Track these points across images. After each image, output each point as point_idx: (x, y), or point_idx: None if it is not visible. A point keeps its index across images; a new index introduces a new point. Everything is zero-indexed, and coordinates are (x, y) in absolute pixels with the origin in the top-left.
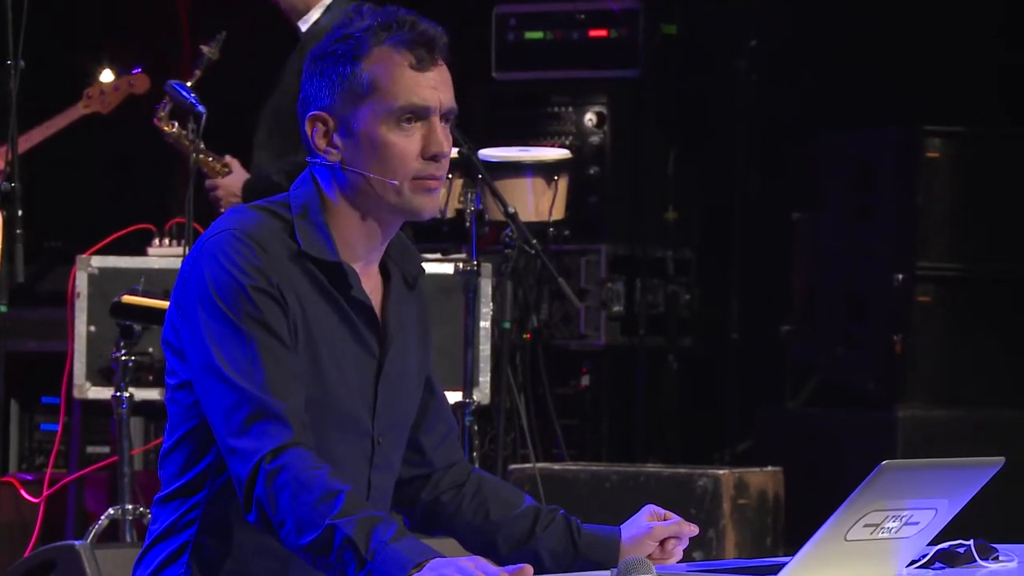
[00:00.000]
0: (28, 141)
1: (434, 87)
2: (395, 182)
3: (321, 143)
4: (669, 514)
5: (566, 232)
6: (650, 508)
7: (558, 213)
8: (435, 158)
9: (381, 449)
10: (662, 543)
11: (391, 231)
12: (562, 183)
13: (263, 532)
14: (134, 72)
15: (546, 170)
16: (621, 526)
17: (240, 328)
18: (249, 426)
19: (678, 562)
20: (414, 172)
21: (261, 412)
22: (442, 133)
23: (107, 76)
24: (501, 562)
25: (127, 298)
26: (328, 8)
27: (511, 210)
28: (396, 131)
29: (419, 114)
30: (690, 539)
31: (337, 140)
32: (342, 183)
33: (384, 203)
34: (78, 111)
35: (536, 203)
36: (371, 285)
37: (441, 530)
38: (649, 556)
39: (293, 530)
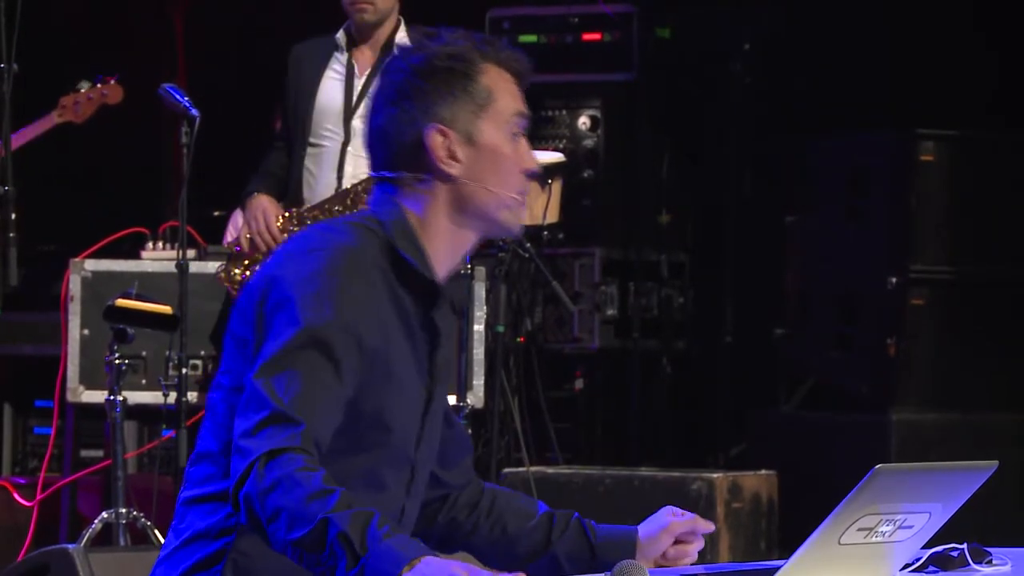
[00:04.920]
0: None
1: (525, 103)
2: (512, 195)
3: (443, 155)
4: (687, 513)
5: (560, 235)
6: (669, 509)
7: (552, 216)
8: (531, 175)
9: (418, 477)
10: (678, 540)
11: (468, 250)
12: (556, 186)
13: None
14: (109, 81)
15: (539, 173)
16: (639, 525)
17: (301, 347)
18: (261, 429)
19: (675, 566)
20: (519, 187)
21: (277, 419)
22: None
23: (83, 85)
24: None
25: (121, 301)
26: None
27: None
28: (511, 144)
29: (524, 127)
30: None
31: (458, 152)
32: (449, 198)
33: (488, 219)
34: (52, 120)
35: (530, 206)
36: (441, 309)
37: (459, 547)
38: (664, 554)
39: (283, 525)
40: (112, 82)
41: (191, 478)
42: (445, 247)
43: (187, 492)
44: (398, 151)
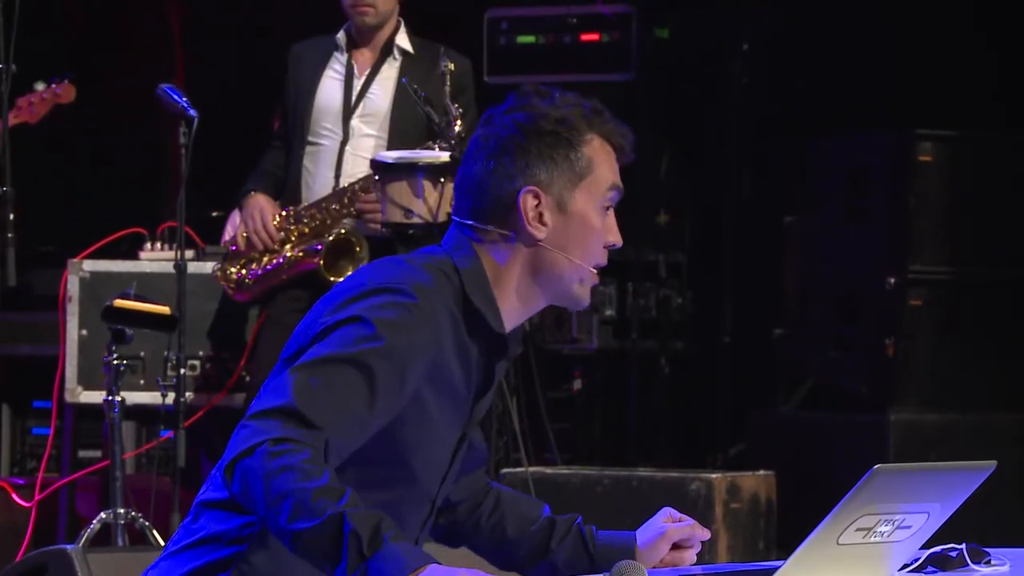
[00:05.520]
0: None
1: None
2: (590, 268)
3: (532, 217)
4: (684, 517)
5: None
6: (666, 511)
7: None
8: (612, 247)
9: (435, 512)
10: (675, 546)
11: (532, 314)
12: None
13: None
14: (62, 81)
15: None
16: (637, 530)
17: (347, 367)
18: (274, 416)
19: (675, 566)
20: (599, 260)
21: (294, 415)
22: None
23: (39, 85)
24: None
25: (119, 302)
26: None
27: None
28: (600, 216)
29: (616, 199)
30: None
31: (548, 217)
32: (527, 260)
33: (562, 287)
34: (8, 121)
35: None
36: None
37: (460, 545)
38: (662, 560)
39: (287, 512)
40: (65, 82)
41: (213, 480)
42: (515, 304)
43: (207, 493)
44: (489, 205)
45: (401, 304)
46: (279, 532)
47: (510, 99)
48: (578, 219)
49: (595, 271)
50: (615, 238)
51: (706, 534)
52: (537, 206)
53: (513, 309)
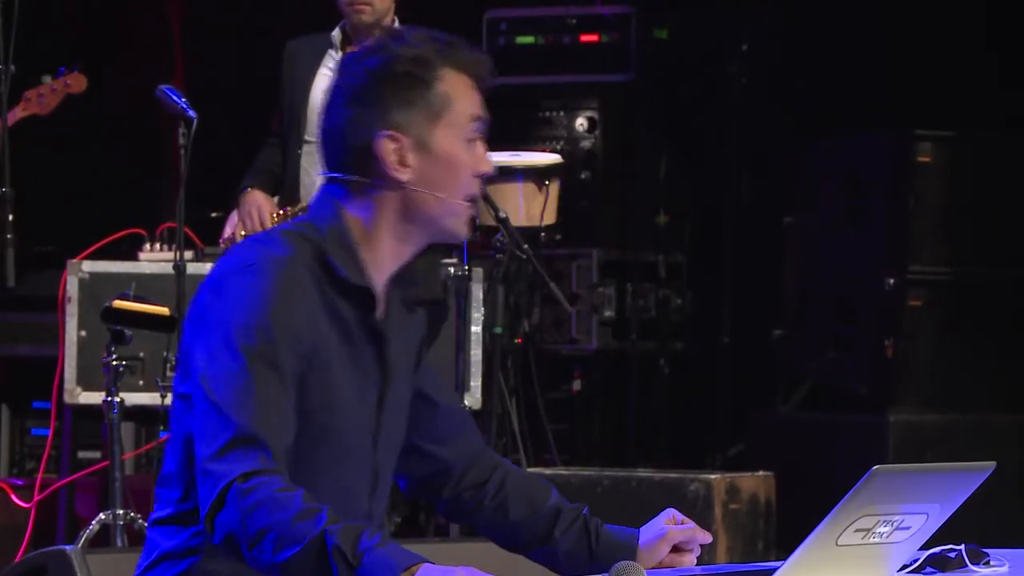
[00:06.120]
0: None
1: (485, 107)
2: (461, 201)
3: (393, 161)
4: (686, 520)
5: (557, 236)
6: (669, 512)
7: (549, 218)
8: (483, 177)
9: (382, 477)
10: (675, 548)
11: (411, 256)
12: (553, 188)
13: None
14: (74, 71)
15: (537, 175)
16: (640, 528)
17: (245, 362)
18: (229, 451)
19: (673, 567)
20: (471, 191)
21: (244, 440)
22: None
23: (46, 79)
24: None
25: (118, 303)
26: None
27: (502, 215)
28: (465, 149)
29: (482, 131)
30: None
31: (410, 159)
32: (396, 205)
33: (435, 225)
34: (16, 115)
35: (527, 208)
36: (379, 311)
37: (465, 523)
38: (661, 562)
39: (269, 547)
40: (76, 72)
41: (158, 498)
42: (389, 252)
43: (155, 513)
44: (349, 154)
45: (263, 282)
46: (269, 569)
47: (364, 45)
48: (442, 156)
49: (469, 203)
50: (485, 167)
51: (708, 537)
52: (397, 149)
53: (386, 258)
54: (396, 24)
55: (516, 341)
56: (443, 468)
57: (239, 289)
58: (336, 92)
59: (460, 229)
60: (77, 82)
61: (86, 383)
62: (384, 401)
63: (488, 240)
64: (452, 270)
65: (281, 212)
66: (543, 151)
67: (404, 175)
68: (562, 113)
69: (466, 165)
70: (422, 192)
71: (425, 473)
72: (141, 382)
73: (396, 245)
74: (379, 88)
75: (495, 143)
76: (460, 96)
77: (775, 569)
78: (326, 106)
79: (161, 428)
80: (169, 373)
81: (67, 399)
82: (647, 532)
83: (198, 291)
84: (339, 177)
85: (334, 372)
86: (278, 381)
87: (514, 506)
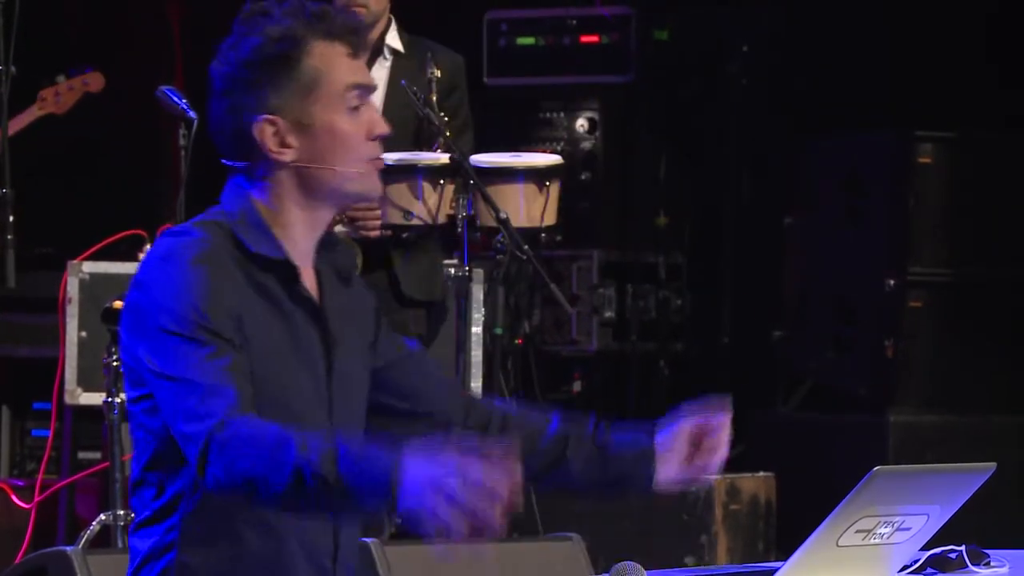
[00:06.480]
0: None
1: (367, 71)
2: (356, 168)
3: (273, 145)
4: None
5: (557, 238)
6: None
7: (550, 219)
8: (379, 138)
9: None
10: (699, 444)
11: (327, 224)
12: (553, 189)
13: (246, 542)
14: (87, 71)
15: (537, 176)
16: (657, 437)
17: (188, 341)
18: (198, 408)
19: (671, 568)
20: (367, 155)
21: (209, 393)
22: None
23: (60, 78)
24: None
25: (118, 304)
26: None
27: (503, 216)
28: (348, 118)
29: (364, 97)
30: (682, 544)
31: (291, 139)
32: (293, 182)
33: (338, 193)
34: (33, 113)
35: (527, 209)
36: (309, 284)
37: None
38: (691, 460)
39: (260, 487)
40: (93, 71)
41: (134, 508)
42: (300, 225)
43: (133, 523)
44: (234, 142)
45: (185, 268)
46: (267, 505)
47: (234, 27)
48: (324, 130)
49: (366, 165)
50: (379, 128)
51: (723, 421)
52: (275, 132)
53: (304, 226)
54: (392, 24)
55: (516, 342)
56: (443, 421)
57: (162, 279)
58: (212, 82)
59: (367, 189)
60: (96, 81)
61: (86, 384)
62: (332, 371)
63: (488, 241)
64: (453, 271)
65: None
66: (543, 152)
67: (287, 156)
68: (562, 114)
69: (351, 133)
70: (313, 167)
71: (429, 433)
72: None
73: (306, 216)
74: (249, 74)
75: (496, 144)
76: (332, 67)
77: (775, 570)
78: (210, 95)
79: None
80: None
81: (67, 400)
82: (663, 437)
83: (126, 298)
84: (233, 166)
85: (271, 342)
86: (226, 346)
87: (521, 437)
